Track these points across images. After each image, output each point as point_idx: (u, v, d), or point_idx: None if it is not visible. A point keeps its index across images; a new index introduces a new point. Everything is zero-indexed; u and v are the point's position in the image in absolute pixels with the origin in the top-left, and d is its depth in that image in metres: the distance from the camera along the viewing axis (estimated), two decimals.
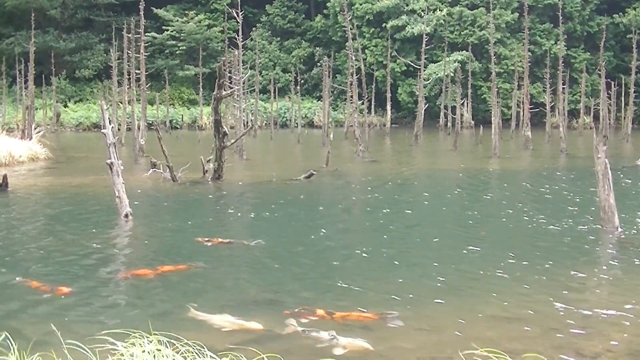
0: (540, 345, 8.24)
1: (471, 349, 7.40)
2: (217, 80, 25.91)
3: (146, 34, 48.40)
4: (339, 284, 11.11)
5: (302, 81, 74.23)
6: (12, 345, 6.08)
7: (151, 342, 6.13)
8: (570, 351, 8.16)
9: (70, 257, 13.05)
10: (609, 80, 58.56)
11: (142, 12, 41.13)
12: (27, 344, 6.72)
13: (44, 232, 15.73)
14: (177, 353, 6.02)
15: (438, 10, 71.51)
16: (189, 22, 75.97)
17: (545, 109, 51.15)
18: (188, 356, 6.01)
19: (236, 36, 40.58)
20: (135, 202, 19.28)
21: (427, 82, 62.18)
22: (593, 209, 16.96)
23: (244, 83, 45.92)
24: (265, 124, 68.19)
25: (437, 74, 66.47)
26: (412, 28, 69.44)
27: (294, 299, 10.32)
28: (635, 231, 15.37)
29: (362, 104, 51.20)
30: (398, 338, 8.52)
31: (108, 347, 6.40)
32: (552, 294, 10.59)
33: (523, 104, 47.56)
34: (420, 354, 8.16)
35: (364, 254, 13.42)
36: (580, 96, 63.78)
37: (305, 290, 10.90)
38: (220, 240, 14.34)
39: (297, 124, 61.45)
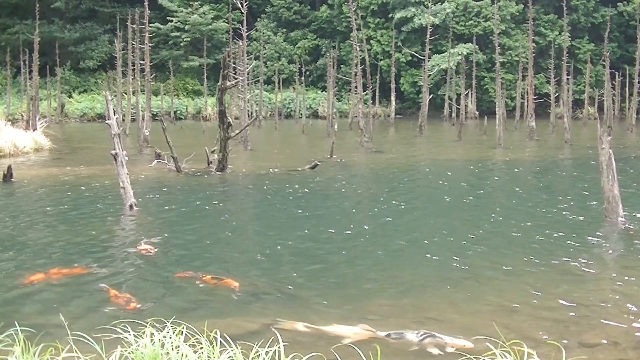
0: (544, 336, 8.25)
1: (481, 339, 7.44)
2: (221, 71, 25.92)
3: (150, 25, 48.23)
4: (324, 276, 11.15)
5: (307, 72, 74.15)
6: (17, 335, 6.11)
7: (160, 331, 6.15)
8: (574, 342, 8.17)
9: (66, 248, 13.10)
10: (613, 70, 58.32)
11: (146, 3, 41.12)
12: (34, 334, 6.75)
13: (46, 224, 15.70)
14: (186, 342, 6.03)
15: (446, 1, 71.32)
16: (193, 13, 75.77)
17: (550, 100, 51.06)
18: (200, 345, 6.02)
19: (240, 27, 40.56)
20: (141, 193, 19.33)
21: (432, 72, 61.98)
22: (597, 199, 16.97)
23: (248, 74, 45.90)
24: (270, 114, 68.16)
25: (440, 66, 66.41)
26: (420, 19, 69.29)
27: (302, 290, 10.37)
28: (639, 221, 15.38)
29: (367, 94, 51.06)
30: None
31: (113, 336, 6.45)
32: (556, 284, 10.63)
33: (527, 95, 47.56)
34: None
35: (364, 245, 13.47)
36: (584, 87, 63.91)
37: (303, 280, 10.97)
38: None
39: (301, 114, 61.42)
